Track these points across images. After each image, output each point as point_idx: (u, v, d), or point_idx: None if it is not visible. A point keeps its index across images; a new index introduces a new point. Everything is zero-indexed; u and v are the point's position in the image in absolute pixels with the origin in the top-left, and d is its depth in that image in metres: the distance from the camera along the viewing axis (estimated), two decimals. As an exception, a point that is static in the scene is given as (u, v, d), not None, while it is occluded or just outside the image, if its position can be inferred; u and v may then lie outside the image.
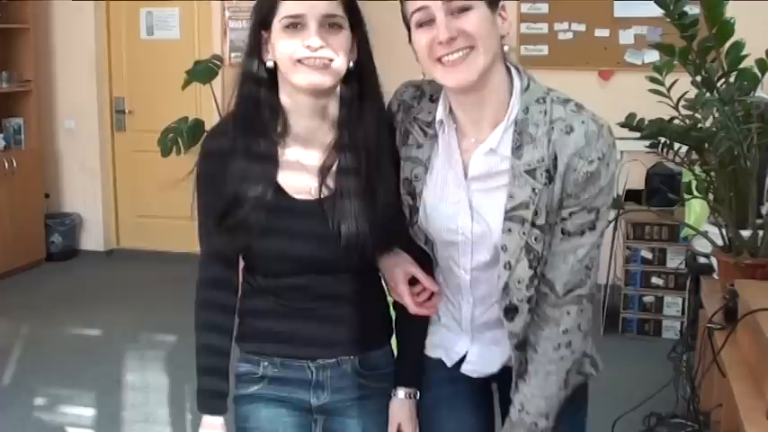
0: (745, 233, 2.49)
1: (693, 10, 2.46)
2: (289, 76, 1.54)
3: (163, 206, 6.13)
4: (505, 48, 1.49)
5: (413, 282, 1.60)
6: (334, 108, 1.60)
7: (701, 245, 2.81)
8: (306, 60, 1.51)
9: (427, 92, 1.59)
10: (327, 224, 1.54)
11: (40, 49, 5.94)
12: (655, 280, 4.42)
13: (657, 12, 2.51)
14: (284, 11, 1.52)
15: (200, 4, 5.81)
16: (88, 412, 3.55)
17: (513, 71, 1.50)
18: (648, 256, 4.40)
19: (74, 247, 6.19)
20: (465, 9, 1.42)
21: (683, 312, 4.32)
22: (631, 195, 4.72)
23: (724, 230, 2.56)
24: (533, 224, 1.44)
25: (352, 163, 1.56)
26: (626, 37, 5.12)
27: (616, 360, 4.14)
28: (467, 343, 1.65)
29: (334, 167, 1.57)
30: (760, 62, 2.44)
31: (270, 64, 1.57)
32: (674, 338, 4.24)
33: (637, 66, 5.09)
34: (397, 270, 1.61)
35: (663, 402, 3.06)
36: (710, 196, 2.65)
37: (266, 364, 1.63)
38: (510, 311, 1.52)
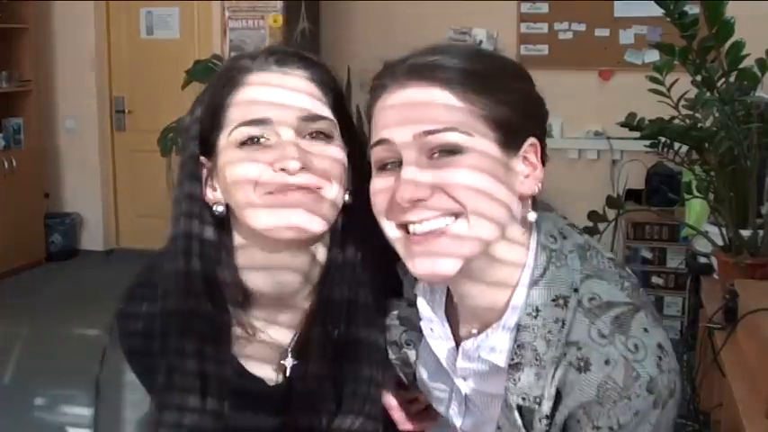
0: (745, 233, 2.49)
1: (693, 10, 2.46)
2: (250, 219, 1.00)
3: (163, 206, 6.13)
4: (531, 216, 0.96)
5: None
6: (322, 258, 1.09)
7: (701, 245, 2.81)
8: (279, 192, 0.98)
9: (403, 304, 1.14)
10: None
11: (39, 49, 5.94)
12: (655, 280, 4.41)
13: (657, 12, 2.51)
14: (236, 117, 1.00)
15: (200, 4, 5.81)
16: (88, 412, 3.55)
17: (532, 245, 0.97)
18: (648, 255, 4.40)
19: (74, 247, 6.19)
20: (453, 150, 0.90)
21: (683, 312, 4.32)
22: (631, 195, 4.73)
23: (724, 230, 2.56)
24: None
25: (322, 345, 1.09)
26: (626, 37, 5.12)
27: (616, 360, 4.16)
28: None
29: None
30: (760, 62, 2.44)
31: (220, 209, 1.04)
32: (674, 338, 4.25)
33: (637, 66, 5.09)
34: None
35: (663, 402, 3.06)
36: (710, 196, 2.65)
37: None
38: None
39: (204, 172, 1.05)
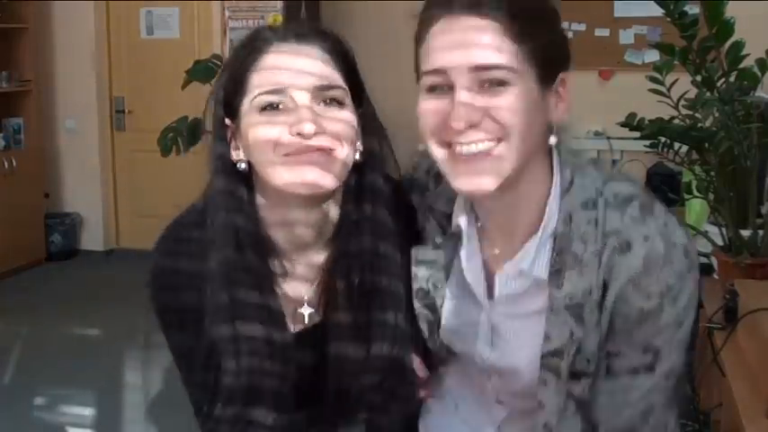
0: (745, 233, 2.49)
1: (693, 10, 2.46)
2: (270, 177, 1.10)
3: (163, 206, 6.13)
4: (551, 140, 1.07)
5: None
6: (334, 215, 1.17)
7: (701, 245, 2.81)
8: (295, 153, 1.08)
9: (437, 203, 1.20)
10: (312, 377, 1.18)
11: (39, 49, 5.94)
12: (655, 280, 4.41)
13: (657, 12, 2.51)
14: (257, 84, 1.10)
15: (200, 4, 5.81)
16: (88, 412, 3.55)
17: (555, 163, 1.09)
18: (648, 255, 4.39)
19: (74, 247, 6.19)
20: (501, 83, 1.00)
21: (683, 312, 4.32)
22: (631, 195, 4.73)
23: (724, 230, 2.56)
24: (574, 374, 1.07)
25: (346, 296, 1.16)
26: (626, 37, 5.12)
27: (616, 360, 4.16)
28: None
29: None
30: (760, 62, 2.44)
31: (243, 166, 1.14)
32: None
33: (637, 65, 5.09)
34: None
35: (663, 402, 3.06)
36: (710, 196, 2.65)
37: None
38: None
39: (228, 133, 1.16)
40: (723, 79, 2.48)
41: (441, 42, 1.03)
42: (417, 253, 1.19)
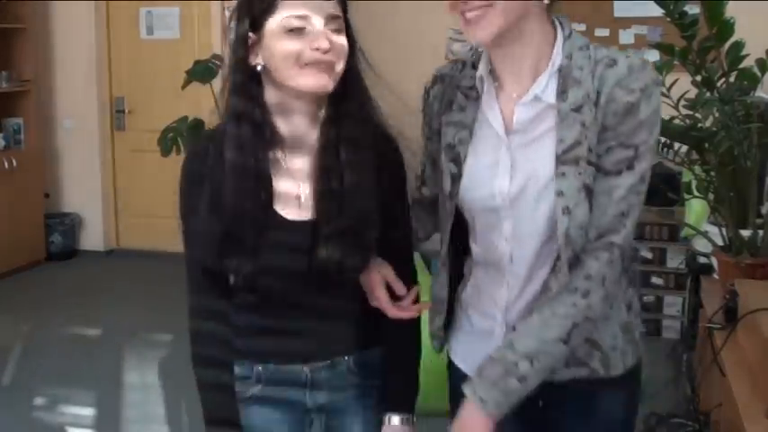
0: (745, 233, 2.50)
1: (693, 10, 2.46)
2: (290, 79, 1.45)
3: (163, 206, 6.13)
4: (545, 0, 1.41)
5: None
6: (322, 111, 1.55)
7: (701, 245, 2.81)
8: (313, 63, 1.44)
9: (469, 62, 1.54)
10: (311, 241, 1.49)
11: (39, 49, 5.94)
12: (655, 280, 4.41)
13: (657, 12, 2.51)
14: (286, 11, 1.44)
15: (200, 4, 5.81)
16: (88, 412, 3.55)
17: (557, 21, 1.45)
18: (648, 255, 4.39)
19: (74, 247, 6.19)
20: None
21: (683, 312, 4.32)
22: (631, 195, 4.73)
23: (724, 230, 2.57)
24: (589, 162, 1.38)
25: (335, 165, 1.50)
26: (626, 37, 5.12)
27: (616, 360, 4.16)
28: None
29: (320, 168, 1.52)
30: (760, 62, 2.45)
31: (259, 67, 1.48)
32: (674, 338, 4.24)
33: (637, 66, 5.09)
34: (373, 274, 1.54)
35: (663, 402, 3.06)
36: (710, 196, 2.65)
37: (260, 368, 1.59)
38: (574, 266, 1.40)
39: (250, 42, 1.48)
40: (723, 79, 2.48)
41: None
42: (446, 118, 1.53)
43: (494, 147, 1.45)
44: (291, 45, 1.44)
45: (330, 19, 1.46)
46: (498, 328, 1.51)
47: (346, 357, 1.59)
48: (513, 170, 1.43)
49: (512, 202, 1.43)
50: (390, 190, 1.55)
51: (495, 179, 1.44)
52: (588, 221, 1.39)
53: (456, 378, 1.59)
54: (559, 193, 1.38)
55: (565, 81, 1.40)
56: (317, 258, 1.48)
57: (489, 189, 1.44)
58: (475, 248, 1.54)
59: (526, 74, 1.43)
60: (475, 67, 1.50)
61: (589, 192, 1.38)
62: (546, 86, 1.40)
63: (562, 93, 1.39)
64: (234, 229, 1.46)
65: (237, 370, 1.58)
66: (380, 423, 1.60)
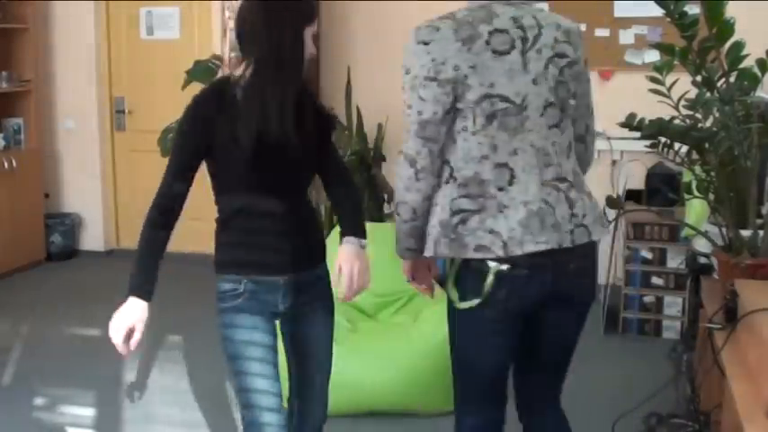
0: (745, 233, 2.50)
1: (693, 10, 2.46)
2: None
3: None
4: None
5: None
6: None
7: (701, 245, 2.81)
8: None
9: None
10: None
11: (39, 49, 5.94)
12: (655, 280, 4.41)
13: (657, 12, 2.51)
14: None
15: (200, 4, 5.81)
16: (88, 412, 3.55)
17: None
18: (648, 256, 4.39)
19: (74, 247, 6.19)
20: None
21: (683, 312, 4.32)
22: (631, 195, 4.73)
23: (724, 230, 2.56)
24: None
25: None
26: (626, 37, 5.12)
27: (616, 360, 4.15)
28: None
29: None
30: (760, 62, 2.44)
31: None
32: (674, 338, 4.25)
33: (637, 66, 5.09)
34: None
35: (663, 402, 3.06)
36: (710, 196, 2.65)
37: (246, 281, 2.09)
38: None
39: None
40: (723, 79, 2.48)
41: None
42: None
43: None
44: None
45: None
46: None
47: (307, 271, 2.17)
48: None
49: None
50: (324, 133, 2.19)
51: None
52: None
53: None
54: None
55: None
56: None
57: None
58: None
59: None
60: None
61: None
62: None
63: None
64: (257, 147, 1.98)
65: (226, 285, 2.11)
66: (332, 322, 2.25)
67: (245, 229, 2.10)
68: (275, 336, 2.16)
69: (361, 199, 2.51)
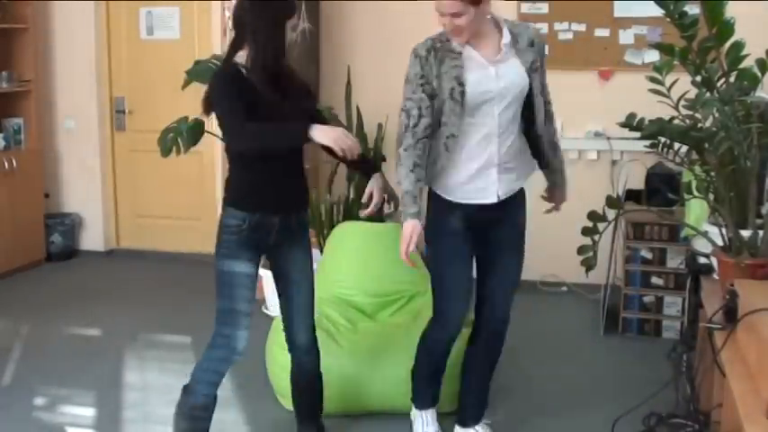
0: (745, 233, 2.50)
1: (693, 10, 2.46)
2: None
3: (163, 206, 6.13)
4: (489, 16, 2.70)
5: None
6: None
7: (701, 245, 2.81)
8: None
9: (443, 37, 2.71)
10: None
11: (39, 49, 5.94)
12: (655, 280, 4.41)
13: (657, 12, 2.51)
14: None
15: (200, 4, 5.81)
16: (88, 412, 3.55)
17: (499, 19, 2.74)
18: (648, 256, 4.40)
19: (74, 247, 6.19)
20: (457, 15, 2.60)
21: (683, 312, 4.32)
22: (631, 195, 4.73)
23: (724, 230, 2.56)
24: (535, 71, 2.77)
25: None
26: (626, 37, 5.12)
27: (616, 360, 4.16)
28: (495, 179, 2.75)
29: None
30: (760, 62, 2.44)
31: None
32: (674, 338, 4.24)
33: (637, 66, 5.09)
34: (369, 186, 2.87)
35: (663, 402, 3.06)
36: (710, 196, 2.65)
37: (251, 217, 2.65)
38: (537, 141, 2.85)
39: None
40: (723, 79, 2.48)
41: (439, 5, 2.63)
42: (444, 67, 2.66)
43: (484, 70, 2.67)
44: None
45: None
46: (494, 169, 2.76)
47: (296, 213, 2.77)
48: (497, 78, 2.67)
49: (498, 94, 2.67)
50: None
51: (489, 82, 2.66)
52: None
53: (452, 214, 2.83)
54: (534, 87, 2.73)
55: (514, 37, 2.71)
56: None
57: (487, 86, 2.66)
58: (472, 125, 2.70)
59: (493, 45, 2.70)
60: (449, 40, 2.68)
61: (542, 91, 2.82)
62: (509, 39, 2.70)
63: (512, 42, 2.70)
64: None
65: (234, 220, 2.65)
66: (310, 254, 2.87)
67: (260, 170, 2.63)
68: (258, 266, 2.74)
69: None
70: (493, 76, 2.64)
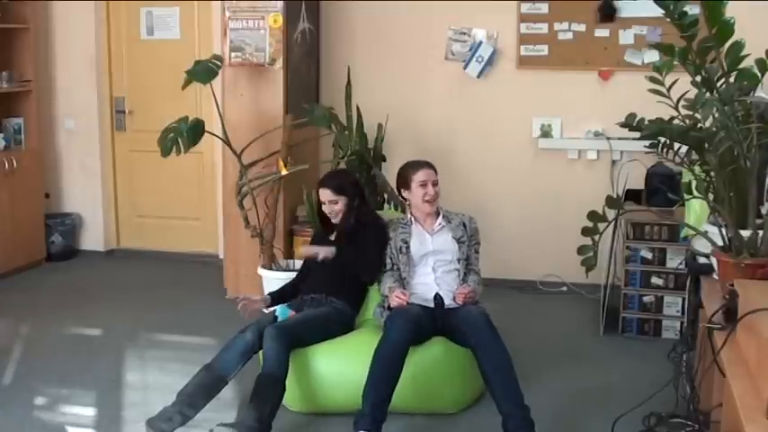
0: (745, 233, 2.50)
1: (693, 10, 2.46)
2: None
3: (163, 206, 6.13)
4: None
5: None
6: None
7: (701, 245, 2.81)
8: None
9: (405, 218, 3.78)
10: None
11: (40, 49, 5.95)
12: (655, 280, 4.42)
13: (657, 12, 2.51)
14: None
15: (200, 4, 5.81)
16: (88, 412, 3.55)
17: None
18: (648, 256, 4.40)
19: (74, 247, 6.19)
20: (434, 183, 3.70)
21: (683, 312, 4.32)
22: (631, 195, 4.73)
23: (724, 230, 2.56)
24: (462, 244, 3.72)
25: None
26: (626, 37, 5.12)
27: (616, 360, 4.16)
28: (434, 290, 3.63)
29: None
30: (760, 62, 2.44)
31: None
32: (674, 338, 4.24)
33: (637, 66, 5.09)
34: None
35: (663, 402, 3.06)
36: (710, 196, 2.65)
37: (303, 297, 3.75)
38: (465, 276, 3.68)
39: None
40: (723, 79, 2.48)
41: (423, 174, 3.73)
42: (398, 233, 3.70)
43: (423, 239, 3.68)
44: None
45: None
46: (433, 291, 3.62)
47: (324, 295, 3.71)
48: (433, 244, 3.67)
49: (433, 253, 3.66)
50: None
51: (426, 248, 3.66)
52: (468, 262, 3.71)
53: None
54: (460, 253, 3.69)
55: (447, 220, 3.71)
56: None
57: (425, 250, 3.66)
58: (414, 275, 3.69)
59: (430, 217, 3.74)
60: (405, 219, 3.76)
61: (465, 253, 3.71)
62: (440, 223, 3.70)
63: (446, 223, 3.71)
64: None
65: (297, 299, 3.76)
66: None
67: None
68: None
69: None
70: (430, 243, 3.68)
